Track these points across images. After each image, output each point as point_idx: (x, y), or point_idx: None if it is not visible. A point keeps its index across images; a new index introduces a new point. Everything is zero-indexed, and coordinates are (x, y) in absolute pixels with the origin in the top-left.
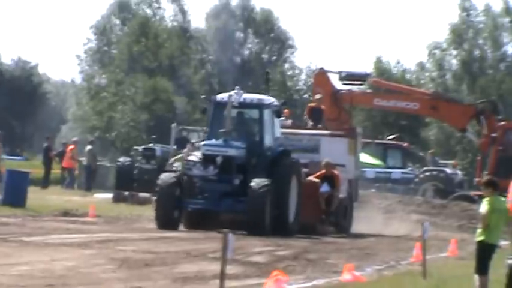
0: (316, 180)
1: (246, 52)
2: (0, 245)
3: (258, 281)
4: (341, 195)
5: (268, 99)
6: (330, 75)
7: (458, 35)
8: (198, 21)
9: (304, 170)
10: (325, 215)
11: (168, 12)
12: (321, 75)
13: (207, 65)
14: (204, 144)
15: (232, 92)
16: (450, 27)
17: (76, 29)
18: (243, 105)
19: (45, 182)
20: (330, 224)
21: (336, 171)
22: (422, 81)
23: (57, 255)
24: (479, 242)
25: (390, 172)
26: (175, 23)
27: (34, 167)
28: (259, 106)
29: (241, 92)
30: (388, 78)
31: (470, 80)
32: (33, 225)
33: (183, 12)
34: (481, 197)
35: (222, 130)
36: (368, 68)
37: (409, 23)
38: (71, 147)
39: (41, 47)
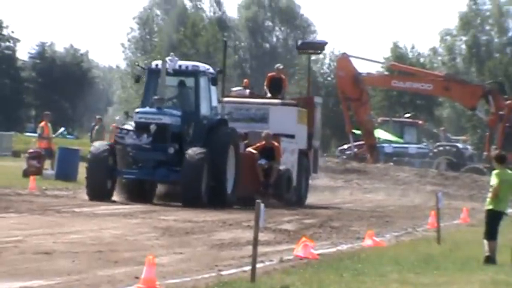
0: (254, 151)
1: (274, 39)
2: (53, 215)
3: (287, 247)
4: (282, 167)
5: (204, 66)
6: (351, 59)
7: (466, 22)
8: (231, 11)
9: (245, 141)
10: (263, 187)
11: (206, 4)
12: (343, 59)
13: (239, 51)
14: (137, 112)
15: (166, 59)
16: (459, 15)
17: (121, 19)
18: (178, 72)
19: None
20: (270, 196)
21: (275, 143)
22: (435, 65)
23: (105, 224)
24: (489, 210)
25: (407, 147)
26: (211, 13)
27: (84, 145)
28: (195, 73)
29: (176, 58)
30: (404, 62)
31: (478, 63)
32: (83, 197)
33: (219, 3)
34: (490, 169)
35: (155, 97)
36: (385, 53)
37: (422, 11)
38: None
39: (90, 36)
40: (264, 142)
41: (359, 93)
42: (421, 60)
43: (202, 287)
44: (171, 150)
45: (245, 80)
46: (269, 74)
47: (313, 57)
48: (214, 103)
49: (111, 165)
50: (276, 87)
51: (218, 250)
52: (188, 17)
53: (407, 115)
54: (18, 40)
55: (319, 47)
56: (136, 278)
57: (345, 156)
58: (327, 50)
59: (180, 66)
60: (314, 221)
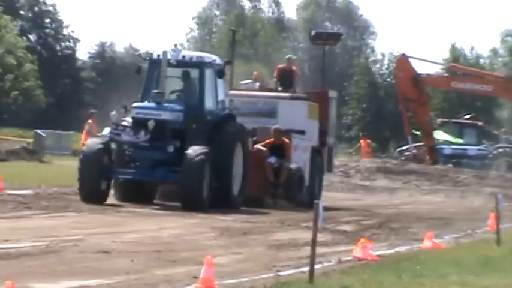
0: (263, 149)
1: None
2: (113, 215)
3: (346, 248)
4: (293, 166)
5: (210, 57)
6: (411, 60)
7: None
8: (290, 12)
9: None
10: (273, 187)
11: (264, 4)
12: (402, 60)
13: (298, 52)
14: (135, 107)
15: (168, 49)
16: None
17: (180, 19)
18: (182, 63)
19: None
20: (280, 197)
21: (286, 140)
22: (495, 66)
23: (164, 224)
24: None
25: (466, 149)
26: (270, 14)
27: None
28: (200, 65)
29: (180, 49)
30: (463, 63)
31: None
32: None
33: (277, 4)
34: None
35: (155, 91)
36: (444, 54)
37: (482, 12)
38: None
39: (149, 36)
40: (273, 139)
41: (418, 94)
42: (481, 61)
43: (260, 287)
44: (171, 148)
45: (255, 73)
46: (279, 66)
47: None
48: (221, 97)
49: (106, 164)
50: (287, 79)
51: (276, 250)
52: (247, 17)
53: (467, 116)
54: (78, 40)
55: (334, 37)
56: (195, 277)
57: (403, 158)
58: (386, 50)
59: (183, 56)
60: (373, 222)
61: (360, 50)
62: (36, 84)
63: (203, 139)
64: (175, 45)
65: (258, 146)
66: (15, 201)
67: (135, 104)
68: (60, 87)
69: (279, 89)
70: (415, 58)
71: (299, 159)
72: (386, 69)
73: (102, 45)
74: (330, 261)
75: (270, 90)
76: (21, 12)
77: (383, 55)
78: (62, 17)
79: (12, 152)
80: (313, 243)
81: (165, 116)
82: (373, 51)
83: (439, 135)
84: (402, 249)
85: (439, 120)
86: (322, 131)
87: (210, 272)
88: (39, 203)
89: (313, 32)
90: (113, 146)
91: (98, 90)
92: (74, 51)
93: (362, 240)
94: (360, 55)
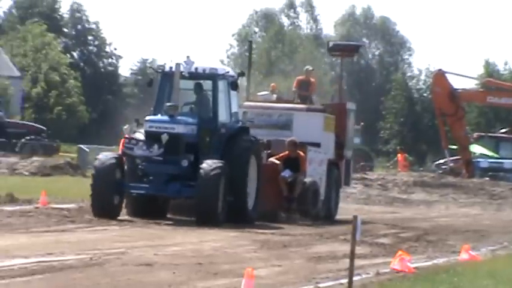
0: (277, 162)
1: (369, 55)
2: (154, 227)
3: (384, 260)
4: (308, 179)
5: (223, 69)
6: (447, 75)
7: None
8: (328, 28)
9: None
10: (287, 201)
11: (303, 21)
12: (439, 75)
13: (336, 68)
14: (148, 120)
15: (181, 61)
16: None
17: (220, 36)
18: (194, 75)
19: None
20: (294, 212)
21: (301, 153)
22: None
23: (205, 237)
24: None
25: (502, 162)
26: (308, 30)
27: None
28: (213, 77)
29: (192, 61)
30: (497, 78)
31: None
32: None
33: (315, 20)
34: None
35: (168, 104)
36: (478, 69)
37: None
38: None
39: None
40: (288, 151)
41: (455, 109)
42: None
43: None
44: (185, 163)
45: (272, 84)
46: (298, 78)
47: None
48: (234, 109)
49: (119, 178)
50: (305, 91)
51: (315, 263)
52: (285, 34)
53: (503, 130)
54: (120, 57)
55: (352, 49)
56: None
57: (441, 171)
58: (422, 65)
59: (196, 68)
60: (410, 235)
61: (396, 66)
62: (80, 100)
63: (217, 152)
64: (188, 57)
65: (272, 159)
66: (59, 215)
67: (147, 118)
68: (102, 103)
69: (297, 100)
70: (452, 73)
71: (315, 172)
72: (423, 84)
73: (143, 61)
74: (368, 274)
75: (286, 101)
76: (65, 30)
77: (419, 71)
78: (104, 34)
79: (56, 166)
80: (352, 255)
81: (179, 129)
82: (409, 66)
83: (476, 149)
84: (439, 261)
85: (475, 134)
86: (339, 143)
87: (251, 284)
88: (82, 216)
89: (330, 44)
90: (126, 160)
91: (140, 105)
92: (116, 67)
93: (400, 252)
94: (397, 70)
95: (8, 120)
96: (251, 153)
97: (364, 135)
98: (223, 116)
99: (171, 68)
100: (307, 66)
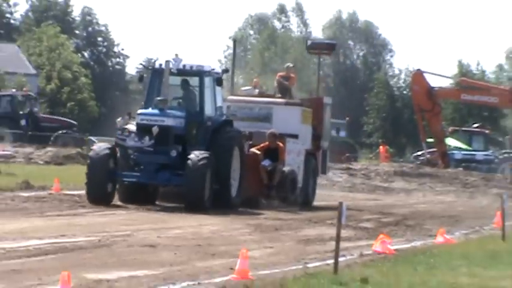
0: (258, 152)
1: (354, 56)
2: (158, 213)
3: (367, 243)
4: (286, 168)
5: (209, 66)
6: (425, 75)
7: None
8: (316, 31)
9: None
10: (267, 189)
11: (293, 24)
12: (418, 75)
13: (323, 68)
14: (139, 113)
15: (170, 58)
16: None
17: (218, 38)
18: (182, 72)
19: None
20: (273, 198)
21: (280, 144)
22: (500, 80)
23: (204, 221)
24: None
25: (474, 154)
26: (298, 33)
27: None
28: (199, 73)
29: (180, 58)
30: (471, 78)
31: None
32: None
33: (305, 24)
34: None
35: (158, 98)
36: (453, 69)
37: (488, 31)
38: None
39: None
40: (268, 142)
41: (432, 105)
42: (487, 76)
43: (290, 277)
44: (174, 153)
45: (254, 80)
46: (279, 73)
47: (389, 72)
48: (219, 103)
49: (112, 167)
50: (285, 86)
51: (304, 245)
52: (278, 36)
53: (476, 125)
54: (127, 56)
55: (329, 47)
56: (231, 269)
57: (419, 162)
58: (402, 65)
59: (184, 65)
60: (391, 220)
61: (379, 66)
62: (90, 96)
63: (203, 144)
64: (176, 54)
65: (253, 149)
66: (70, 200)
67: (139, 111)
68: (110, 99)
69: (278, 93)
70: (429, 73)
71: (293, 161)
72: (403, 82)
73: (148, 61)
74: (352, 255)
75: (267, 96)
76: (77, 32)
77: (400, 70)
78: (113, 36)
79: (68, 156)
80: (338, 238)
81: (168, 122)
82: (391, 66)
83: (450, 142)
84: (417, 244)
85: (450, 129)
86: (316, 135)
87: (245, 264)
88: None
89: (309, 42)
90: (119, 150)
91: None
92: (123, 66)
93: (381, 236)
94: (379, 70)
95: (43, 115)
96: (235, 144)
97: (349, 129)
98: (209, 110)
99: (160, 65)
100: (287, 64)
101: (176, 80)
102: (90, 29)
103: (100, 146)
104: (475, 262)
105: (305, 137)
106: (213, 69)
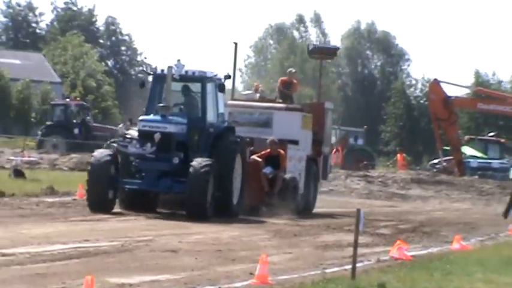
0: (259, 159)
1: (372, 66)
2: (179, 219)
3: (384, 249)
4: (288, 175)
5: (211, 72)
6: (442, 84)
7: None
8: (335, 41)
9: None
10: (268, 196)
11: (312, 35)
12: (435, 84)
13: (342, 77)
14: (141, 120)
15: (172, 64)
16: None
17: (239, 47)
18: (184, 78)
19: None
20: (274, 206)
21: (281, 151)
22: None
23: (224, 227)
24: None
25: (490, 162)
26: (317, 43)
27: None
28: (202, 79)
29: (183, 64)
30: (487, 87)
31: None
32: None
33: (324, 34)
34: None
35: (160, 105)
36: (469, 79)
37: (504, 41)
38: None
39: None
40: (269, 150)
41: (448, 114)
42: (503, 85)
43: (308, 283)
44: (176, 160)
45: (255, 84)
46: (281, 78)
47: (406, 82)
48: (221, 110)
49: (113, 174)
50: (287, 94)
51: (322, 250)
52: (297, 46)
53: (491, 134)
54: (150, 65)
55: (331, 52)
56: (251, 274)
57: (435, 170)
58: (419, 75)
59: (186, 71)
60: (407, 227)
61: (396, 75)
62: (113, 103)
63: (205, 150)
64: (179, 60)
65: (254, 156)
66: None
67: (141, 117)
68: (134, 107)
69: (279, 98)
70: (446, 82)
71: (294, 168)
72: (420, 92)
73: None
74: (369, 260)
75: (268, 100)
76: (101, 41)
77: (416, 80)
78: (136, 45)
79: None
80: (355, 244)
81: (170, 128)
82: (408, 76)
83: (466, 150)
84: (434, 250)
85: (466, 137)
86: (317, 140)
87: (265, 269)
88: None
89: (310, 46)
90: (120, 157)
91: None
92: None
93: (398, 242)
94: (396, 79)
95: (95, 124)
96: (237, 151)
97: (367, 137)
98: (211, 117)
99: (162, 70)
100: (290, 69)
101: (178, 86)
102: (113, 38)
103: (101, 152)
104: (491, 268)
105: (306, 142)
106: (216, 75)
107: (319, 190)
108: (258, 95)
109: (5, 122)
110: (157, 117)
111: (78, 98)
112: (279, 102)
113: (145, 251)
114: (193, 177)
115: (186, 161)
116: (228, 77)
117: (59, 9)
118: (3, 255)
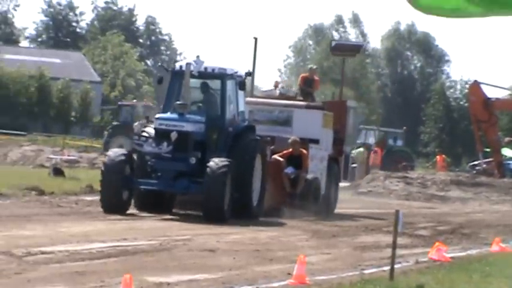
0: (281, 159)
1: (412, 67)
2: None
3: (422, 250)
4: (310, 176)
5: (232, 69)
6: (482, 86)
7: None
8: (374, 42)
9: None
10: (290, 197)
11: (351, 35)
12: (475, 86)
13: (381, 77)
14: (157, 118)
15: (191, 60)
16: None
17: (278, 48)
18: (203, 75)
19: None
20: (296, 207)
21: (303, 150)
22: None
23: (262, 227)
24: None
25: None
26: (340, 40)
27: None
28: (221, 76)
29: (202, 61)
30: None
31: None
32: None
33: (363, 35)
34: None
35: (178, 102)
36: (510, 81)
37: None
38: None
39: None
40: (291, 149)
41: (488, 116)
42: None
43: (346, 283)
44: (193, 160)
45: (276, 81)
46: (302, 75)
47: (446, 83)
48: (241, 108)
49: (128, 174)
50: (309, 91)
51: (361, 251)
52: None
53: None
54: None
55: (354, 49)
56: (289, 274)
57: (475, 171)
58: (459, 76)
59: (205, 68)
60: (447, 228)
61: (436, 76)
62: (153, 103)
63: (224, 150)
64: (198, 56)
65: (275, 156)
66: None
67: (157, 115)
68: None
69: (299, 96)
70: (486, 84)
71: (316, 168)
72: (460, 93)
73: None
74: (408, 262)
75: (288, 98)
76: (141, 41)
77: (454, 82)
78: (176, 45)
79: None
80: (394, 245)
81: (188, 127)
82: (447, 77)
83: (507, 152)
84: (473, 252)
85: (506, 139)
86: (339, 139)
87: (302, 269)
88: None
89: (333, 43)
90: (135, 156)
91: None
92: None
93: (437, 243)
94: (436, 81)
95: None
96: (257, 151)
97: (406, 138)
98: (230, 115)
99: (181, 67)
100: (311, 65)
101: (197, 83)
102: (153, 37)
103: (116, 151)
104: None
105: (326, 141)
106: (236, 72)
107: (358, 191)
108: (278, 91)
109: (45, 121)
110: (175, 116)
111: (145, 100)
112: (300, 100)
113: (184, 250)
114: (210, 179)
115: (203, 161)
116: (248, 74)
117: (99, 9)
118: (43, 253)
